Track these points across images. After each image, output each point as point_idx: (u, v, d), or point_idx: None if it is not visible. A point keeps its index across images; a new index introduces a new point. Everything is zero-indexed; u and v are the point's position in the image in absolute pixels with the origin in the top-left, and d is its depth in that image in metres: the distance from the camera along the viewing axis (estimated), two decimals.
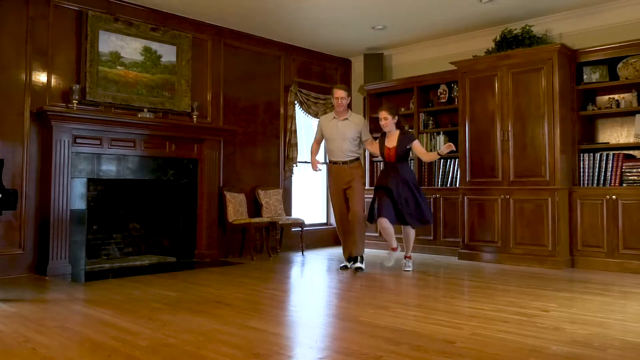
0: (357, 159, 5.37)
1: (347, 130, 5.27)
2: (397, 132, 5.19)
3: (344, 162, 5.29)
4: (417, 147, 5.24)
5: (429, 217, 5.27)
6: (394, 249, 5.38)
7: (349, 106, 5.49)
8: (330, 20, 6.31)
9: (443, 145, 5.16)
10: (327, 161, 5.53)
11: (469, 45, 6.69)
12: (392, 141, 5.18)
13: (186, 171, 6.15)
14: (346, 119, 5.30)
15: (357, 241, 5.28)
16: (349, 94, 5.30)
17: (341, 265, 5.44)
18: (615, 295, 4.10)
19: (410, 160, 7.06)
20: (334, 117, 5.33)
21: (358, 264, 5.26)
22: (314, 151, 5.54)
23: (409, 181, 5.14)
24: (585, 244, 5.52)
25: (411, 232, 5.35)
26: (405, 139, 5.16)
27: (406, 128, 5.45)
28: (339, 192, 5.35)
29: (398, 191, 5.08)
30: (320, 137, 5.52)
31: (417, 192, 5.15)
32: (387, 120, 5.16)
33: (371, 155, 7.14)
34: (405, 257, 5.43)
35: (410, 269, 5.30)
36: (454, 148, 5.04)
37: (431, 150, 6.93)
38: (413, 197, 5.11)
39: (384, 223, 5.10)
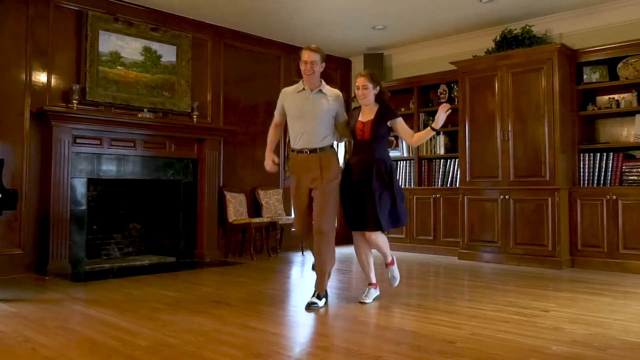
0: (332, 146, 3.89)
1: (321, 106, 3.77)
2: (376, 107, 3.87)
3: (313, 150, 3.75)
4: (402, 126, 3.86)
5: (386, 221, 3.75)
6: (372, 285, 3.93)
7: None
8: (330, 20, 6.31)
9: (439, 118, 3.71)
10: (291, 150, 3.95)
11: (469, 45, 6.69)
12: (368, 115, 3.85)
13: (186, 171, 6.15)
14: (320, 90, 3.81)
15: (320, 271, 3.80)
16: (323, 59, 3.79)
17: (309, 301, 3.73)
18: (615, 295, 4.09)
19: (410, 160, 7.13)
20: (303, 89, 3.81)
21: (313, 299, 3.71)
22: (272, 139, 4.03)
23: (382, 170, 3.78)
24: (585, 244, 5.52)
25: (377, 239, 3.85)
26: (386, 114, 3.84)
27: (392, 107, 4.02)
28: (304, 194, 3.79)
29: (362, 183, 3.76)
30: (280, 119, 3.98)
31: (390, 187, 3.77)
32: (366, 89, 3.81)
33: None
34: (369, 284, 3.92)
35: (369, 300, 3.83)
36: (449, 108, 3.74)
37: (431, 151, 6.94)
38: (387, 192, 3.76)
39: (357, 237, 3.91)
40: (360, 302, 3.76)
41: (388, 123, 3.84)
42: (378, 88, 3.87)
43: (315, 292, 3.75)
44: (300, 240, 6.70)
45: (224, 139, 6.45)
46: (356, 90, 3.89)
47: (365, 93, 3.82)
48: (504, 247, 5.83)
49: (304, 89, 3.81)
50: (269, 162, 3.93)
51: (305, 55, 3.74)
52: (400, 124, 3.87)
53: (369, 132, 3.79)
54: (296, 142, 3.82)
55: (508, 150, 5.85)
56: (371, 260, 3.95)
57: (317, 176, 3.72)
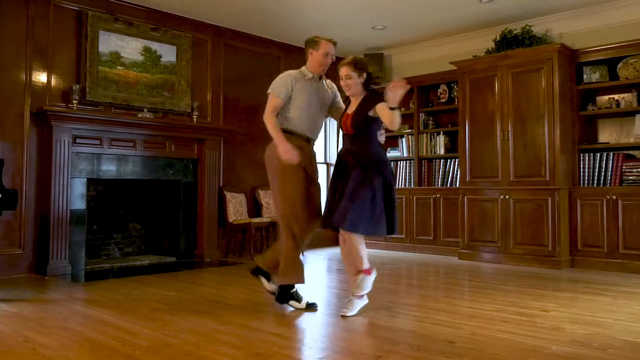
0: None
1: (325, 96, 3.74)
2: (363, 95, 3.51)
3: (314, 141, 3.73)
4: (383, 112, 3.31)
5: (353, 219, 3.27)
6: (364, 272, 3.46)
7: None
8: (330, 20, 6.31)
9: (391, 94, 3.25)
10: (288, 132, 3.59)
11: (469, 45, 6.69)
12: (354, 107, 3.50)
13: (186, 171, 6.15)
14: (321, 79, 3.78)
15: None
16: None
17: (310, 302, 3.60)
18: (615, 295, 4.09)
19: (410, 160, 7.13)
20: (312, 76, 3.69)
21: (310, 301, 3.64)
22: (280, 127, 3.57)
23: (368, 169, 3.36)
24: (585, 244, 5.52)
25: (351, 245, 3.40)
26: (368, 103, 3.42)
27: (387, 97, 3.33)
28: (304, 183, 3.56)
29: (343, 180, 3.45)
30: (282, 103, 3.63)
31: (370, 186, 3.31)
32: (350, 79, 3.47)
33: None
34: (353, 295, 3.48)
35: (351, 313, 3.40)
36: (404, 85, 3.25)
37: (431, 151, 6.94)
38: (368, 191, 3.31)
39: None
40: (342, 316, 3.36)
41: (370, 113, 3.40)
42: (365, 75, 3.48)
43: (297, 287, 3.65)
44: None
45: (224, 139, 6.45)
46: (340, 82, 3.56)
47: (350, 83, 3.49)
48: (504, 247, 5.83)
49: (313, 76, 3.69)
50: (292, 149, 3.44)
51: (329, 48, 3.67)
52: (380, 109, 3.33)
53: (350, 126, 3.46)
54: (304, 129, 3.61)
55: (508, 150, 5.85)
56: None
57: (312, 168, 3.65)
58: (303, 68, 3.74)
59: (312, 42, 3.73)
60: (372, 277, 3.49)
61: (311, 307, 3.57)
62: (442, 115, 7.06)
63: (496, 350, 2.66)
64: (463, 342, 2.80)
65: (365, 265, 3.45)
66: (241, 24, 6.51)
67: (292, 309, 3.57)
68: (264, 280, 3.76)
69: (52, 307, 3.68)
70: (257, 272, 3.78)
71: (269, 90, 3.66)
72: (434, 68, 6.96)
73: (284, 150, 3.42)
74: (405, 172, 7.14)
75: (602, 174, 5.56)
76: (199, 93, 6.35)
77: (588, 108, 5.77)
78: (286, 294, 3.59)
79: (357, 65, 3.48)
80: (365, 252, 3.47)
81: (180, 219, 6.10)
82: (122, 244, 6.14)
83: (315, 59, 3.67)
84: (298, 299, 3.58)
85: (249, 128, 6.86)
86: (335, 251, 6.74)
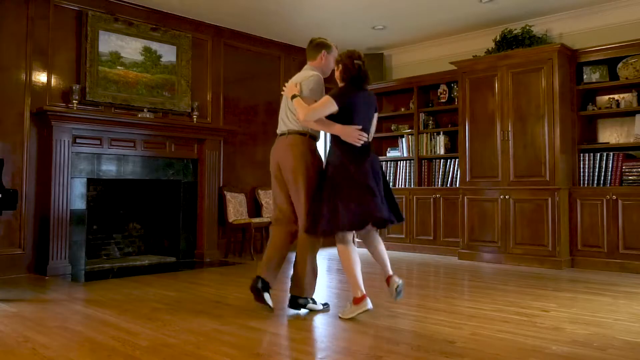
0: None
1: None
2: None
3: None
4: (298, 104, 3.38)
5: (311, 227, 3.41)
6: (354, 299, 3.30)
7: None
8: (330, 21, 6.31)
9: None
10: (311, 136, 3.62)
11: (469, 45, 6.69)
12: None
13: (186, 171, 6.15)
14: None
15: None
16: None
17: (323, 303, 3.64)
18: (615, 295, 4.09)
19: (410, 160, 7.13)
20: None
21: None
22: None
23: (327, 167, 3.44)
24: (585, 244, 5.52)
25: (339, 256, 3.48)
26: None
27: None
28: None
29: None
30: None
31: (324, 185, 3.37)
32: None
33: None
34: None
35: (345, 316, 3.29)
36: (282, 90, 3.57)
37: (431, 151, 6.94)
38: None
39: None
40: (339, 317, 3.32)
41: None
42: (340, 67, 3.44)
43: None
44: None
45: (224, 139, 6.45)
46: None
47: (336, 75, 3.58)
48: (504, 247, 5.83)
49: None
50: (355, 130, 3.35)
51: (337, 52, 3.71)
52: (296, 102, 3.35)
53: None
54: (314, 132, 3.61)
55: (508, 150, 5.85)
56: (357, 267, 3.35)
57: None
58: (318, 70, 3.66)
59: (327, 45, 3.69)
60: (359, 308, 3.23)
61: (325, 307, 3.59)
62: (442, 115, 7.06)
63: (496, 350, 2.66)
64: (463, 342, 2.80)
65: (357, 292, 3.25)
66: (241, 24, 6.51)
67: (307, 311, 3.51)
68: (267, 296, 3.46)
69: (52, 307, 3.68)
70: (259, 287, 3.44)
71: (323, 97, 3.46)
72: (434, 68, 6.97)
73: (349, 133, 3.32)
74: (405, 172, 7.14)
75: (602, 174, 5.56)
76: (199, 93, 6.36)
77: (588, 108, 5.77)
78: (301, 301, 3.52)
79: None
80: (359, 274, 3.29)
81: (180, 219, 6.10)
82: (122, 244, 6.15)
83: (329, 61, 3.68)
84: (314, 301, 3.57)
85: (249, 128, 6.87)
86: (335, 251, 6.74)
